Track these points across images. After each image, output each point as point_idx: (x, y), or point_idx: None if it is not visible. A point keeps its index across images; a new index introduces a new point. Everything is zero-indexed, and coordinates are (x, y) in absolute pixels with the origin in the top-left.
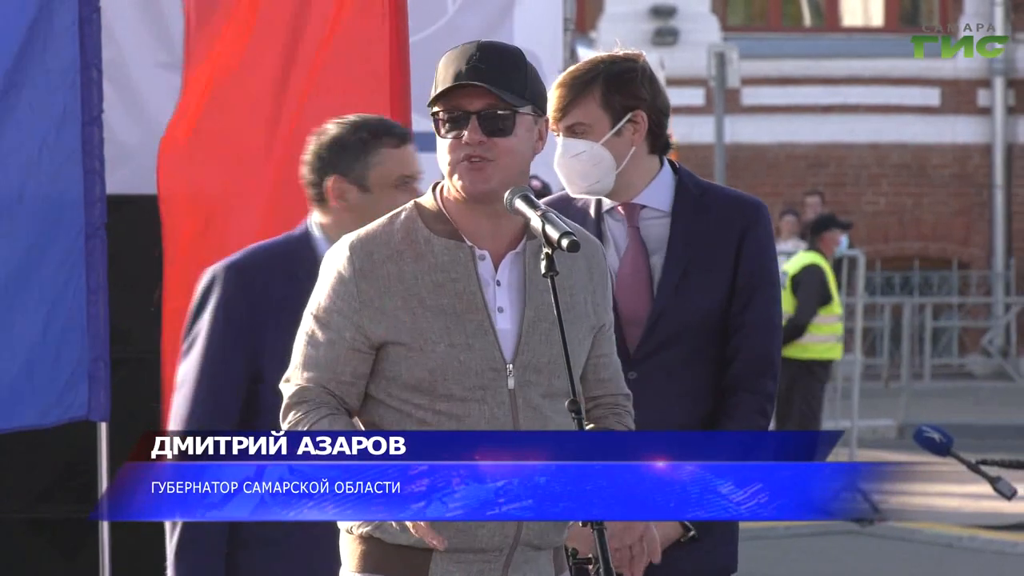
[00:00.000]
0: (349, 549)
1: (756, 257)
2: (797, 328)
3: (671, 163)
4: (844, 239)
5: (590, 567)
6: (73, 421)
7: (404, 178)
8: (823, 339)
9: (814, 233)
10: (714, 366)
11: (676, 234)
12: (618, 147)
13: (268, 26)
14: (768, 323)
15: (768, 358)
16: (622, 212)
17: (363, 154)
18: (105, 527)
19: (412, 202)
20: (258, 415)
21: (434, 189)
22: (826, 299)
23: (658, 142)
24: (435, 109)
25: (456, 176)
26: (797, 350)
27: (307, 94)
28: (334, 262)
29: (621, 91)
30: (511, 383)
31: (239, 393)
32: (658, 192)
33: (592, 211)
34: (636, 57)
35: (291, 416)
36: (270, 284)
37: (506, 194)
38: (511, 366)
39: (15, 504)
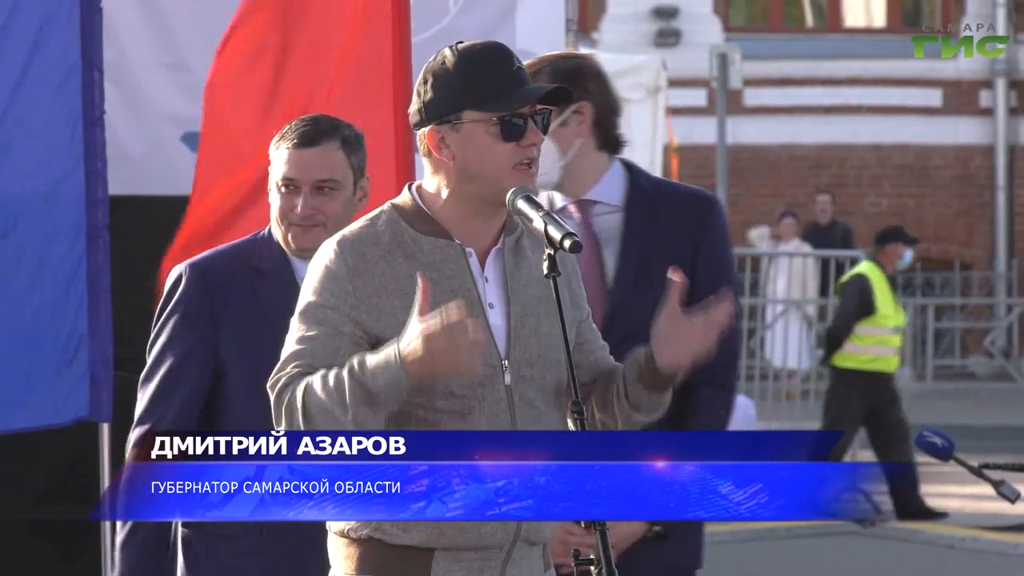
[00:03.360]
0: (344, 552)
1: (714, 252)
2: (831, 338)
3: (624, 161)
4: (908, 253)
5: (592, 568)
6: (76, 422)
7: (285, 179)
8: (864, 349)
9: (877, 243)
10: None
11: (630, 227)
12: (564, 138)
13: (271, 26)
14: None
15: (730, 352)
16: (573, 209)
17: (275, 152)
18: (107, 528)
19: (388, 204)
20: (220, 410)
21: (410, 189)
22: (868, 310)
23: (608, 138)
24: (498, 115)
25: (514, 180)
26: (839, 358)
27: (310, 95)
28: (323, 261)
29: (565, 82)
30: (507, 379)
31: (201, 388)
32: (609, 187)
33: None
34: (586, 56)
35: (285, 398)
36: (230, 281)
37: (508, 194)
38: (506, 362)
39: (16, 505)
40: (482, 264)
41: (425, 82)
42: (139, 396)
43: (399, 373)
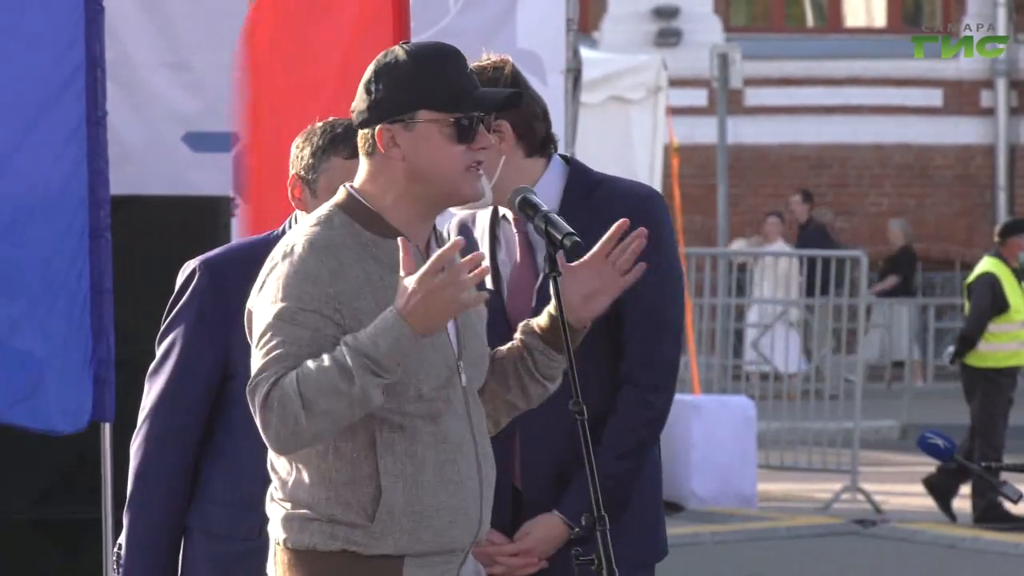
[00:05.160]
0: (308, 569)
1: (657, 247)
2: (966, 340)
3: (566, 159)
4: None
5: (592, 568)
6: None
7: None
8: (1000, 347)
9: (1000, 237)
10: (607, 362)
11: None
12: (488, 160)
13: (271, 27)
14: (651, 313)
15: (653, 351)
16: (511, 218)
17: (317, 159)
18: (109, 528)
19: (332, 206)
20: (228, 411)
21: (348, 189)
22: (1002, 308)
23: (535, 143)
24: (454, 116)
25: (466, 182)
26: (974, 358)
27: (311, 96)
28: (293, 264)
29: None
30: (463, 380)
31: (209, 388)
32: (544, 192)
33: (488, 217)
34: (501, 65)
35: (276, 394)
36: (243, 280)
37: (510, 193)
38: (461, 363)
39: (17, 504)
40: None
41: (376, 80)
42: (146, 389)
43: (401, 328)
